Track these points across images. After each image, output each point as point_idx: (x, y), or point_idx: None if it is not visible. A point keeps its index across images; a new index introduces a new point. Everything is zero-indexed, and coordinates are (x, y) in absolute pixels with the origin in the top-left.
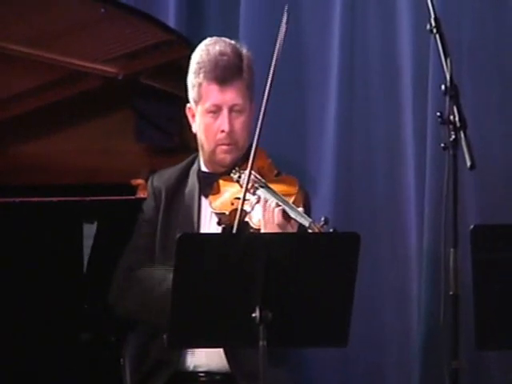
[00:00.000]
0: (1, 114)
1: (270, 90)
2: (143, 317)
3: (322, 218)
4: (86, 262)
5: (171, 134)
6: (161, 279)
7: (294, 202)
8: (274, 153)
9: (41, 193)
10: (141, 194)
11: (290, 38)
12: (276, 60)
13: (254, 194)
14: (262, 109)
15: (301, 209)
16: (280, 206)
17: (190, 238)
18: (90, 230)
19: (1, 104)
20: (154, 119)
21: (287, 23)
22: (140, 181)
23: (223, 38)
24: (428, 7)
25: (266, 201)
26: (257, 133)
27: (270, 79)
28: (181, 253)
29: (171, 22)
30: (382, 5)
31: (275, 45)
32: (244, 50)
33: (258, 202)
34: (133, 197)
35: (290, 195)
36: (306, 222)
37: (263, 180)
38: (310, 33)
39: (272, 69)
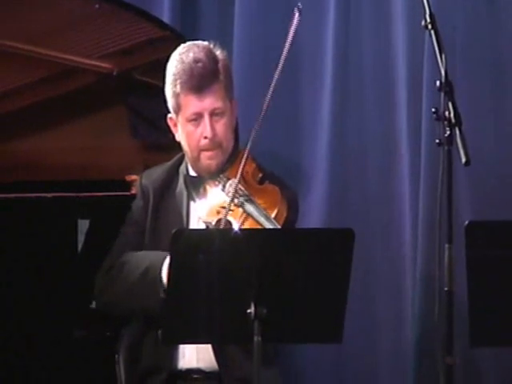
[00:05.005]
0: None
1: (271, 97)
2: (130, 301)
3: None
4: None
5: (165, 129)
6: (139, 259)
7: (276, 215)
8: (267, 151)
9: (35, 189)
10: (135, 190)
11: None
12: (282, 64)
13: (237, 205)
14: (260, 118)
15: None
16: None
17: (184, 234)
18: (84, 226)
19: None
20: (148, 115)
21: (298, 21)
22: (134, 177)
23: (196, 43)
24: (423, 3)
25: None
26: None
27: (273, 85)
28: (175, 248)
29: (166, 16)
30: (377, 1)
31: (284, 45)
32: (218, 52)
33: (241, 216)
34: (127, 193)
35: (272, 207)
36: None
37: (247, 193)
38: (304, 30)
39: (277, 72)
